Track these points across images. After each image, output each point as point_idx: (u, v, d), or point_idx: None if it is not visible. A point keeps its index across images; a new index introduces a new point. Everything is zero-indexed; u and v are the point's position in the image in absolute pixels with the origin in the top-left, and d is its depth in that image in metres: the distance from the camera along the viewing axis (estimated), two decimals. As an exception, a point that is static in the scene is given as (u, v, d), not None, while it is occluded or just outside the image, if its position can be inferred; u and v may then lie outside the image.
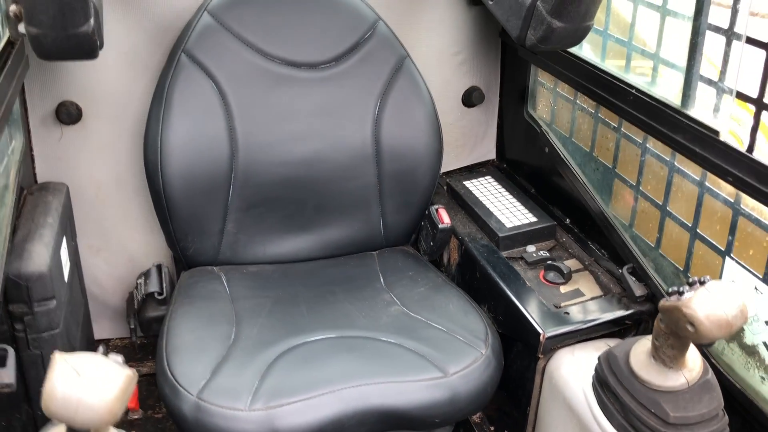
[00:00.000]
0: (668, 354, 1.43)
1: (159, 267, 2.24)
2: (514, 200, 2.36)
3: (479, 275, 2.13)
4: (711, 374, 1.47)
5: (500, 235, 2.18)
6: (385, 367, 1.76)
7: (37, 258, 1.70)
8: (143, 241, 2.41)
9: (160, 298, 2.14)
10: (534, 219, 2.25)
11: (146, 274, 2.22)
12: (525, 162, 2.51)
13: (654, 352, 1.46)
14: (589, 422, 1.64)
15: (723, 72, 1.59)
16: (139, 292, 2.18)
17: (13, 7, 1.49)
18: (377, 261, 2.22)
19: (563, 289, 1.99)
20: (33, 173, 2.17)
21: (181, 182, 2.02)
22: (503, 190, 2.44)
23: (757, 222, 1.53)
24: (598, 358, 1.61)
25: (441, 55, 2.49)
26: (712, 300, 1.26)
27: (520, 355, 1.96)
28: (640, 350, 1.52)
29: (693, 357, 1.47)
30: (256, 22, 2.08)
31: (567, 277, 2.01)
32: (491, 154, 2.68)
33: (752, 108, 1.53)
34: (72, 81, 2.14)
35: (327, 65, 2.13)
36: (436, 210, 2.25)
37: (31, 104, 2.12)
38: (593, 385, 1.64)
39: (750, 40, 1.51)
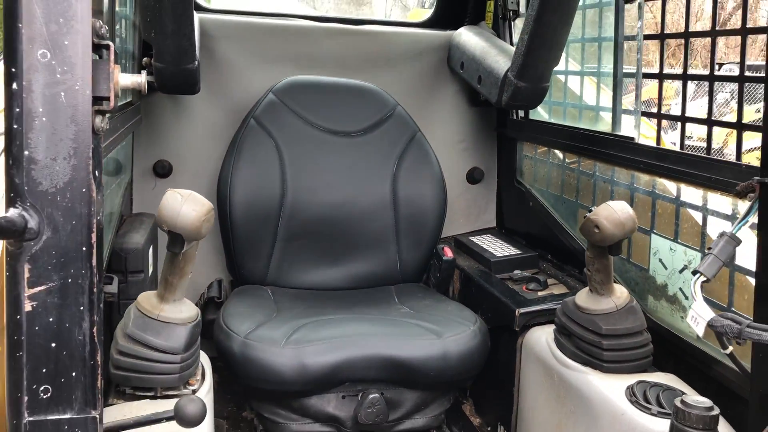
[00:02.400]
0: (597, 280, 1.85)
1: (220, 281, 2.74)
2: (507, 245, 2.84)
3: (474, 289, 2.58)
4: (635, 302, 1.87)
5: (492, 261, 2.64)
6: (391, 329, 2.20)
7: (133, 241, 2.25)
8: (208, 262, 2.89)
9: (218, 302, 2.62)
10: (520, 252, 2.72)
11: (210, 286, 2.72)
12: (519, 224, 3.02)
13: (589, 284, 1.88)
14: (552, 366, 2.00)
15: (638, 99, 2.15)
16: (203, 299, 2.67)
17: (145, 59, 2.20)
18: (394, 290, 2.69)
19: (540, 294, 2.41)
20: (130, 206, 2.78)
21: (243, 212, 2.59)
22: (499, 241, 2.93)
23: (666, 198, 2.01)
24: (556, 310, 2.02)
25: (448, 142, 3.12)
26: (609, 209, 1.73)
27: (505, 344, 2.34)
28: (582, 292, 1.93)
29: (620, 289, 1.89)
30: (307, 102, 2.76)
31: (544, 285, 2.44)
32: (492, 223, 3.20)
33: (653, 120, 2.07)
34: (168, 145, 2.82)
35: (358, 134, 2.77)
36: (442, 248, 2.75)
37: (136, 158, 2.79)
38: (554, 334, 2.02)
39: (646, 75, 2.09)
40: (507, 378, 2.31)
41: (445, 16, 3.30)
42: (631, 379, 1.77)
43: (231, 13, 3.05)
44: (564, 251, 2.60)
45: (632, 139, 2.12)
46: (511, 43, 2.99)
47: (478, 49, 2.83)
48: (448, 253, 2.73)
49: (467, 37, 2.98)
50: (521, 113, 2.93)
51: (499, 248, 2.79)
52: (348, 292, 2.68)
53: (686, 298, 1.93)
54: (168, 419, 1.35)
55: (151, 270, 2.48)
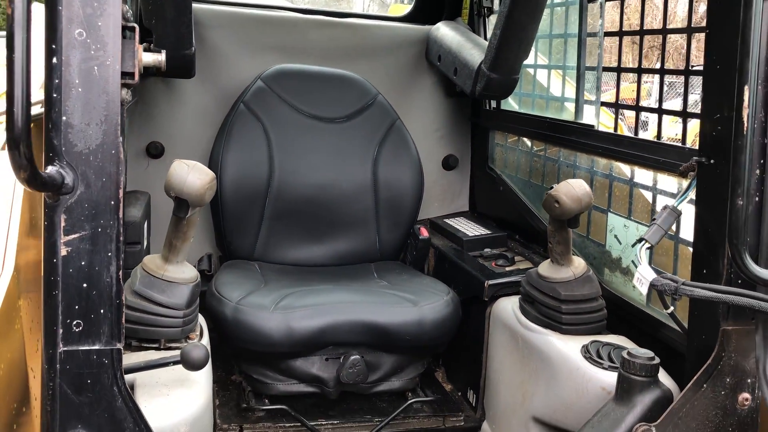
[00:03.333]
0: (558, 251, 2.04)
1: (209, 255, 2.89)
2: (478, 226, 3.02)
3: (448, 265, 2.76)
4: (591, 272, 2.07)
5: (464, 239, 2.83)
6: (372, 298, 2.38)
7: (131, 215, 2.38)
8: (198, 238, 3.00)
9: (208, 274, 2.77)
10: (491, 232, 2.90)
11: (200, 260, 2.86)
12: (490, 207, 3.21)
13: (550, 255, 2.07)
14: (517, 330, 2.18)
15: (598, 90, 2.34)
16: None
17: (144, 44, 2.34)
18: (373, 267, 2.86)
19: (507, 269, 2.59)
20: (125, 184, 2.91)
21: (232, 191, 2.74)
22: (472, 223, 3.11)
23: (621, 180, 2.20)
24: (522, 280, 2.21)
25: (425, 130, 3.28)
26: (568, 186, 1.92)
27: (475, 314, 2.52)
28: (544, 263, 2.12)
29: (578, 260, 2.08)
30: (293, 89, 2.92)
31: (511, 261, 2.62)
32: (465, 207, 3.39)
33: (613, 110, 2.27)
34: (161, 126, 2.95)
35: (341, 120, 2.93)
36: (419, 228, 2.93)
37: (130, 138, 2.92)
38: (519, 302, 2.21)
39: (605, 69, 2.29)
40: (476, 345, 2.49)
41: (424, 12, 3.47)
42: (587, 339, 1.96)
43: (223, 4, 3.19)
44: (531, 231, 2.79)
45: (592, 126, 2.31)
46: (486, 38, 3.17)
47: (455, 43, 3.01)
48: (424, 233, 2.91)
49: (444, 31, 3.16)
50: (493, 104, 3.11)
51: (471, 229, 2.97)
52: (330, 267, 2.85)
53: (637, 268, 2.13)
54: (175, 363, 1.52)
55: (146, 243, 2.62)
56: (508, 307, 2.29)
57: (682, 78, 2.02)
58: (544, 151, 2.71)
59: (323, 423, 2.32)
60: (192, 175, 1.66)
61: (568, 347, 1.95)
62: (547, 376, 1.99)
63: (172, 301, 1.72)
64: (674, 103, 7.34)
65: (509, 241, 2.86)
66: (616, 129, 2.27)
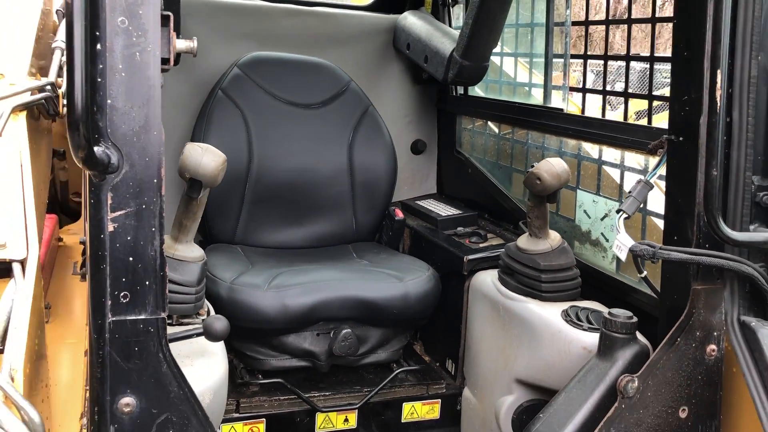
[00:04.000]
0: (536, 225, 2.19)
1: (193, 240, 2.93)
2: (449, 207, 3.16)
3: (424, 244, 2.89)
4: (566, 244, 2.23)
5: (438, 219, 2.96)
6: (360, 275, 2.50)
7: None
8: None
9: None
10: (462, 212, 3.04)
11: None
12: (457, 189, 3.35)
13: (529, 229, 2.22)
14: (498, 300, 2.33)
15: (566, 76, 2.50)
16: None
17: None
18: (351, 248, 2.96)
19: (481, 245, 2.74)
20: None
21: (214, 176, 2.79)
22: (442, 204, 3.24)
23: (589, 159, 2.37)
24: (501, 253, 2.36)
25: (393, 116, 3.39)
26: (549, 164, 2.07)
27: (454, 288, 2.65)
28: (522, 236, 2.27)
29: (554, 233, 2.24)
30: (270, 76, 2.98)
31: (484, 238, 2.77)
32: (433, 189, 3.52)
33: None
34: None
35: (316, 106, 3.01)
36: (394, 209, 3.04)
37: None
38: (498, 274, 2.36)
39: (573, 56, 2.45)
40: (455, 317, 2.63)
41: (387, 1, 3.57)
42: (565, 305, 2.12)
43: (197, -7, 3.21)
44: (500, 210, 2.94)
45: (561, 110, 2.47)
46: (450, 27, 3.30)
47: (424, 32, 3.12)
48: (399, 214, 3.03)
49: (412, 20, 3.27)
50: (460, 90, 3.25)
51: (443, 209, 3.11)
52: (310, 249, 2.93)
53: (607, 240, 2.31)
54: (198, 335, 1.59)
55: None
56: (487, 279, 2.44)
57: (613, 65, 2.19)
58: (512, 134, 2.86)
59: (316, 395, 2.42)
60: (206, 157, 1.73)
61: (549, 312, 2.11)
62: (530, 340, 2.14)
63: (184, 279, 1.79)
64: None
65: (480, 220, 3.01)
66: (583, 112, 2.44)
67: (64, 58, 2.79)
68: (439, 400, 2.57)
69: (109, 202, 1.25)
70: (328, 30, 3.30)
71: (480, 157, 3.13)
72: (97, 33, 1.21)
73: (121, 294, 1.26)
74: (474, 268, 2.55)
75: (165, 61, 1.30)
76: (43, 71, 2.97)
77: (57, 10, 3.11)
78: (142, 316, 1.28)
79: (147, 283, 1.28)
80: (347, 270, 2.56)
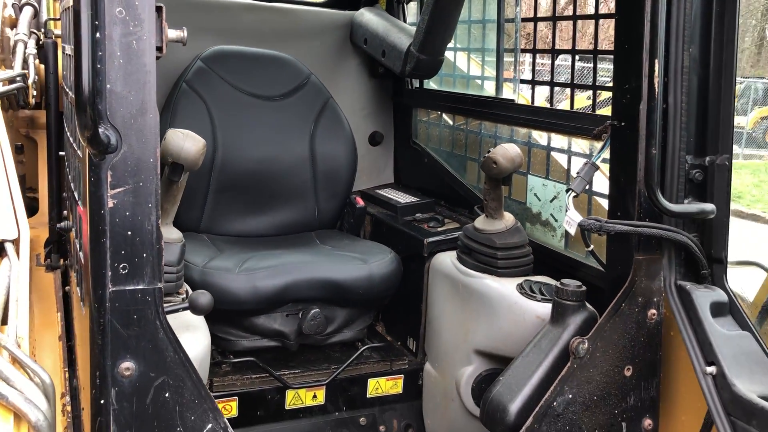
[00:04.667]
0: (492, 207, 2.34)
1: (159, 229, 2.98)
2: (407, 195, 3.29)
3: (385, 230, 3.02)
4: (519, 224, 2.39)
5: (398, 206, 3.09)
6: (326, 258, 2.61)
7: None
8: None
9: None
10: (419, 199, 3.18)
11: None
12: (414, 179, 3.49)
13: (486, 211, 2.38)
14: (457, 278, 2.47)
15: (516, 69, 2.67)
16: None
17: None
18: (314, 235, 3.07)
19: (439, 229, 2.88)
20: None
21: (180, 166, 2.86)
22: (400, 192, 3.37)
23: (539, 146, 2.55)
24: (459, 234, 2.50)
25: (351, 109, 3.50)
26: (504, 149, 2.23)
27: (414, 270, 2.78)
28: (479, 218, 2.43)
29: (508, 214, 2.40)
30: (233, 69, 3.06)
31: (441, 223, 2.91)
32: (391, 179, 3.65)
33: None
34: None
35: (278, 98, 3.11)
36: (354, 198, 3.16)
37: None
38: (457, 254, 2.50)
39: (523, 50, 2.61)
40: (416, 298, 2.77)
41: (344, -3, 3.69)
42: (519, 279, 2.28)
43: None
44: (455, 197, 3.10)
45: (513, 101, 2.64)
46: (405, 23, 3.44)
47: (381, 28, 3.25)
48: (360, 202, 3.15)
49: (369, 17, 3.39)
50: (416, 84, 3.39)
51: (401, 197, 3.24)
52: (274, 237, 3.03)
53: (556, 220, 2.48)
54: (184, 309, 1.68)
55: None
56: (446, 260, 2.58)
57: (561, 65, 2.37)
58: (466, 124, 3.02)
59: (286, 373, 2.52)
60: (188, 142, 1.81)
61: (505, 287, 2.27)
62: (487, 313, 2.29)
63: (167, 259, 1.86)
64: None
65: (436, 206, 3.15)
66: (533, 102, 2.61)
67: (28, 50, 2.81)
68: (402, 375, 2.70)
69: (109, 180, 1.33)
70: (287, 25, 3.40)
71: (435, 147, 3.27)
72: (96, 22, 1.29)
73: (121, 266, 1.35)
74: (434, 250, 2.69)
75: (159, 48, 1.39)
76: (6, 63, 2.97)
77: (13, 4, 3.11)
78: (141, 286, 1.37)
79: (144, 255, 1.37)
80: (314, 254, 2.67)
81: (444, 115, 3.22)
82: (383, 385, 2.68)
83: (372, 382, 2.66)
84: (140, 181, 1.35)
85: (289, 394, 2.51)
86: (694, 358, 1.70)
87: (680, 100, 1.79)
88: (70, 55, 1.84)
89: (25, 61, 2.67)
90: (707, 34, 1.79)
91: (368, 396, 2.66)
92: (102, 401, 1.36)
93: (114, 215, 1.33)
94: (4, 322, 1.35)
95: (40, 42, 2.81)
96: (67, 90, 2.02)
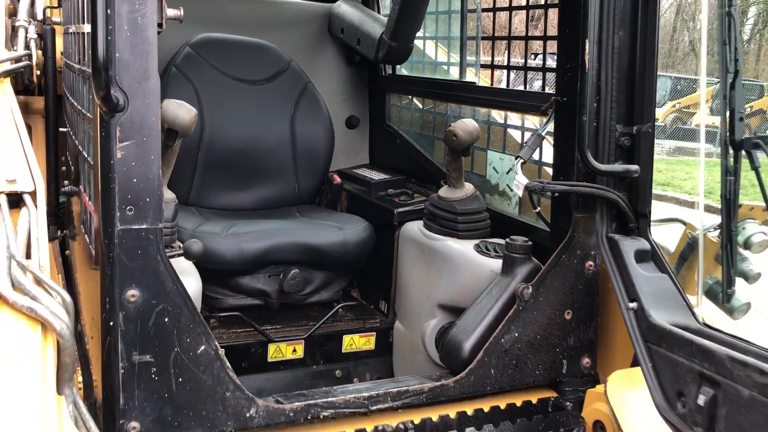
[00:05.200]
0: (454, 176, 2.60)
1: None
2: (381, 173, 3.53)
3: (360, 203, 3.26)
4: (478, 193, 2.64)
5: (372, 182, 3.33)
6: (305, 225, 2.86)
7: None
8: None
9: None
10: (392, 176, 3.43)
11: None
12: (387, 159, 3.73)
13: (448, 181, 2.63)
14: (423, 242, 2.72)
15: (477, 54, 2.92)
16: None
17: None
18: (295, 209, 3.30)
19: (409, 202, 3.13)
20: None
21: (171, 143, 3.08)
22: (374, 171, 3.61)
23: (497, 123, 2.80)
24: (425, 203, 2.75)
25: (329, 94, 3.74)
26: (463, 123, 2.48)
27: (386, 238, 3.03)
28: (442, 188, 2.68)
29: (468, 184, 2.65)
30: (219, 54, 3.28)
31: (411, 197, 3.16)
32: (366, 160, 3.90)
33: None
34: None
35: (261, 82, 3.34)
36: (332, 175, 3.40)
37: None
38: (423, 221, 2.75)
39: (483, 38, 2.87)
40: (387, 264, 3.01)
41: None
42: (477, 240, 2.54)
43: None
44: (425, 174, 3.35)
45: (474, 83, 2.90)
46: (379, 14, 3.68)
47: (356, 18, 3.49)
48: (337, 179, 3.39)
49: (345, 8, 3.63)
50: (389, 70, 3.63)
51: (375, 175, 3.48)
52: (257, 211, 3.26)
53: (511, 190, 2.74)
54: (179, 255, 1.91)
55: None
56: (414, 227, 2.83)
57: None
58: (434, 107, 3.27)
59: (269, 328, 2.76)
60: (182, 110, 2.04)
61: (464, 247, 2.52)
62: (449, 271, 2.55)
63: (164, 216, 2.09)
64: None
65: (407, 183, 3.40)
66: (492, 84, 2.87)
67: (30, 35, 3.02)
68: (374, 333, 2.95)
69: (118, 134, 1.56)
70: (269, 16, 3.63)
71: (407, 129, 3.52)
72: (108, 1, 1.52)
73: (127, 208, 1.58)
74: (403, 220, 2.94)
75: (159, 24, 1.62)
76: (6, 48, 3.17)
77: (12, -7, 3.31)
78: (144, 226, 1.60)
79: (148, 199, 1.60)
80: (294, 222, 2.91)
81: (414, 99, 3.47)
82: (357, 342, 2.93)
83: (347, 339, 2.91)
84: (144, 136, 1.58)
85: (271, 348, 2.75)
86: (619, 296, 1.96)
87: (611, 78, 2.05)
88: (78, 32, 2.06)
89: (26, 46, 2.88)
90: (634, 20, 2.05)
91: (343, 351, 2.90)
92: (111, 323, 1.59)
93: (122, 165, 1.57)
94: (28, 256, 1.57)
95: (37, 30, 3.01)
96: (73, 65, 2.23)
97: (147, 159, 1.59)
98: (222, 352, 1.70)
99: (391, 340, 2.97)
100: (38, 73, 2.75)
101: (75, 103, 2.22)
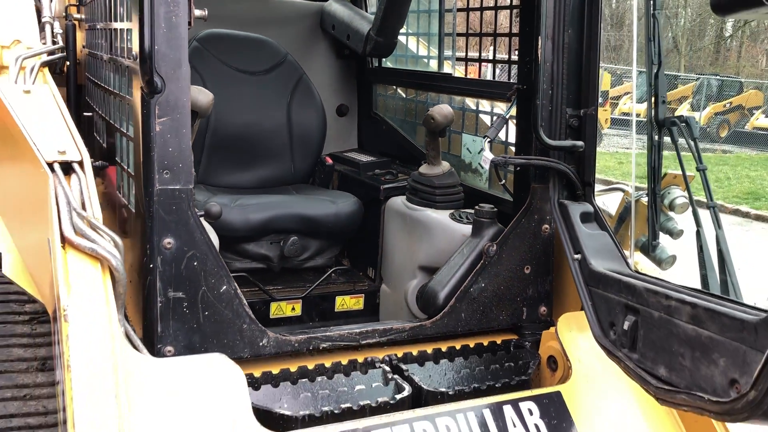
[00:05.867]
0: (432, 155, 2.97)
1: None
2: (368, 156, 3.89)
3: (350, 182, 3.62)
4: (453, 170, 3.01)
5: (360, 164, 3.70)
6: (303, 198, 3.22)
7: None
8: None
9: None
10: (378, 159, 3.79)
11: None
12: (374, 144, 4.09)
13: (427, 159, 2.99)
14: (406, 213, 3.09)
15: (453, 49, 3.29)
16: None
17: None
18: (291, 188, 3.66)
19: (394, 180, 3.49)
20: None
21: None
22: (362, 155, 3.97)
23: (470, 109, 3.17)
24: (407, 179, 3.12)
25: (321, 85, 4.09)
26: (439, 108, 2.85)
27: (373, 212, 3.38)
28: (422, 166, 3.04)
29: (444, 162, 3.01)
30: (223, 48, 3.63)
31: (396, 177, 3.53)
32: (355, 145, 4.26)
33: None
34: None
35: (261, 73, 3.68)
36: (324, 157, 3.76)
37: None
38: (406, 195, 3.12)
39: (459, 34, 3.24)
40: (374, 235, 3.38)
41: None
42: (452, 210, 2.91)
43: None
44: (408, 157, 3.71)
45: (450, 74, 3.26)
46: (367, 12, 4.03)
47: (346, 15, 3.85)
48: (329, 161, 3.76)
49: (336, 7, 3.99)
50: (376, 63, 3.98)
51: (363, 158, 3.84)
52: (257, 189, 3.61)
53: (482, 167, 3.11)
54: (201, 216, 2.26)
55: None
56: (398, 201, 3.20)
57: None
58: (415, 96, 3.64)
59: (271, 288, 3.12)
60: (201, 95, 2.38)
61: (441, 216, 2.89)
62: (428, 237, 2.92)
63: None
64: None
65: (392, 164, 3.76)
66: (466, 75, 3.23)
67: (56, 30, 3.36)
68: (363, 294, 3.31)
69: (157, 112, 1.91)
70: (267, 13, 3.98)
71: (392, 117, 3.88)
72: (151, 3, 1.87)
73: (164, 172, 1.93)
74: (388, 195, 3.30)
75: (189, 23, 1.96)
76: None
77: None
78: (178, 186, 1.95)
79: (180, 165, 1.95)
80: (292, 197, 3.27)
81: (399, 89, 3.83)
82: (348, 302, 3.29)
83: (339, 299, 3.27)
84: (178, 113, 1.93)
85: (273, 306, 3.11)
86: (567, 249, 2.33)
87: (562, 69, 2.42)
88: (107, 29, 2.40)
89: (54, 39, 3.21)
90: (581, 20, 2.42)
91: (336, 310, 3.27)
92: (151, 265, 1.94)
93: (160, 137, 1.91)
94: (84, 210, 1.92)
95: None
96: (102, 56, 2.57)
97: (180, 132, 1.94)
98: (240, 291, 2.06)
99: (377, 301, 3.34)
100: (68, 63, 3.08)
101: (109, 88, 2.56)
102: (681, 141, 2.39)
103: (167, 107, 1.92)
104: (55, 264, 1.76)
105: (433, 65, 3.56)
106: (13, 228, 2.47)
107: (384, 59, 3.91)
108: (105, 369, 1.55)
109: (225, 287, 2.04)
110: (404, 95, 3.79)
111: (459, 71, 3.40)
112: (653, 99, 2.18)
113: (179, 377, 1.81)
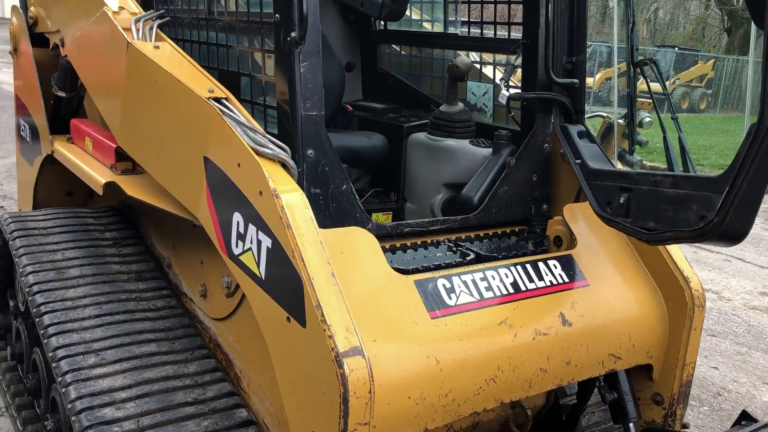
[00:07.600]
0: (451, 97, 3.75)
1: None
2: (378, 104, 4.61)
3: (370, 124, 4.35)
4: (467, 108, 3.81)
5: (377, 109, 4.42)
6: (341, 135, 3.92)
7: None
8: None
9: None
10: (388, 105, 4.52)
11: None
12: (379, 96, 4.82)
13: (448, 100, 3.77)
14: (429, 143, 3.85)
15: (457, 12, 4.06)
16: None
17: None
18: (319, 131, 4.34)
19: (409, 121, 4.24)
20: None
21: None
22: (372, 103, 4.68)
23: (474, 61, 3.97)
24: (429, 116, 3.89)
25: (332, 46, 4.77)
26: (462, 59, 3.62)
27: (396, 146, 4.12)
28: (443, 105, 3.82)
29: (460, 103, 3.79)
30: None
31: (408, 119, 4.28)
32: (360, 96, 4.97)
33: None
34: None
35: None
36: (345, 105, 4.47)
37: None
38: (427, 130, 3.89)
39: (462, 2, 4.01)
40: (397, 164, 4.13)
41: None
42: (470, 138, 3.70)
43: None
44: (415, 104, 4.47)
45: (457, 34, 4.04)
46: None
47: (359, -15, 4.53)
48: (350, 108, 4.46)
49: (346, -22, 4.66)
50: (381, 26, 4.70)
51: (377, 105, 4.57)
52: None
53: (486, 106, 3.92)
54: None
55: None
56: (420, 135, 3.97)
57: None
58: (420, 53, 4.39)
59: (325, 207, 3.83)
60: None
61: (461, 143, 3.69)
62: (451, 158, 3.71)
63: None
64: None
65: (402, 110, 4.51)
66: (469, 33, 4.03)
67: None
68: (391, 212, 4.08)
69: (300, 58, 2.59)
70: None
71: (398, 70, 4.63)
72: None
73: (307, 102, 2.62)
74: (410, 132, 4.06)
75: None
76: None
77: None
78: (315, 112, 2.66)
79: (316, 97, 2.65)
80: (333, 135, 3.97)
81: (402, 49, 4.57)
82: (380, 218, 4.05)
83: (374, 216, 4.02)
84: (313, 59, 2.62)
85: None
86: (570, 156, 3.18)
87: (559, 26, 3.24)
88: None
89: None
90: (573, -10, 3.25)
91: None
92: (299, 170, 2.64)
93: (303, 75, 2.61)
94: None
95: None
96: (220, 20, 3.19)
97: (315, 73, 2.64)
98: (354, 189, 2.79)
99: (402, 217, 4.12)
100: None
101: (243, 45, 3.15)
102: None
103: (305, 55, 2.61)
104: (245, 169, 2.45)
105: (440, 26, 4.32)
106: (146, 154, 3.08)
107: (388, 24, 4.64)
108: (311, 226, 2.28)
109: (345, 186, 2.77)
110: (409, 50, 4.53)
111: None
112: (630, 48, 3.05)
113: (340, 239, 2.55)
